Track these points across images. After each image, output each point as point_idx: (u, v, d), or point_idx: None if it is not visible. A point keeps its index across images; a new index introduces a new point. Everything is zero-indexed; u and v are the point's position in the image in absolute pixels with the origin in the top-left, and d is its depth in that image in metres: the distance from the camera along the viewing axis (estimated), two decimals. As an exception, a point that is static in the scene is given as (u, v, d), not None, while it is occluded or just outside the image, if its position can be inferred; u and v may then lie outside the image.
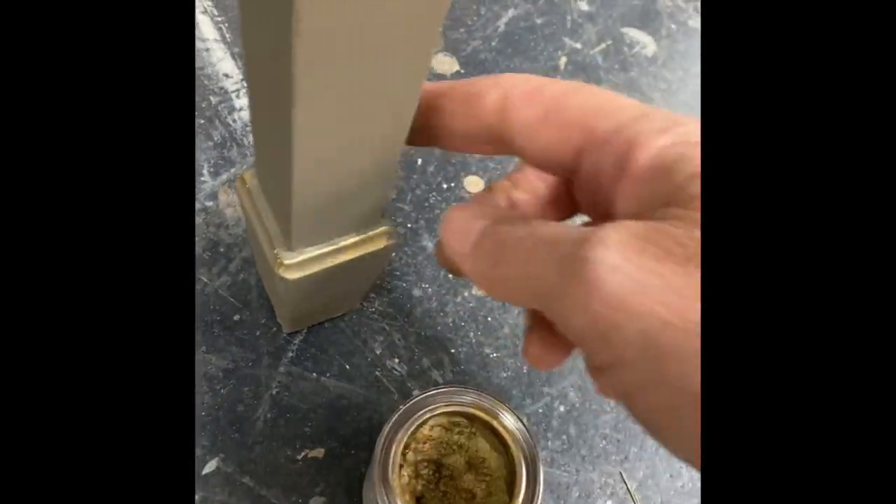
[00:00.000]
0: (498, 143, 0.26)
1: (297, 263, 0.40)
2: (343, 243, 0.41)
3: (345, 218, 0.39)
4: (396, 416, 0.41)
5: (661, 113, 0.23)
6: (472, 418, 0.44)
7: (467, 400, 0.43)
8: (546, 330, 0.30)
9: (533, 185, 0.30)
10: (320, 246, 0.40)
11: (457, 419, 0.44)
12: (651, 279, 0.17)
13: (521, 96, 0.25)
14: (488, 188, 0.31)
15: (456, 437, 0.45)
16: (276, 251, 0.39)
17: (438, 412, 0.43)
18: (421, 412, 0.42)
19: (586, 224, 0.25)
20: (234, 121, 0.58)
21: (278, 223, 0.39)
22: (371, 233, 0.41)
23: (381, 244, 0.42)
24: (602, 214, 0.24)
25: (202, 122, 0.57)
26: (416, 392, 0.50)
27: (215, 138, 0.57)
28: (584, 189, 0.25)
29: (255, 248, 0.44)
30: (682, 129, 0.21)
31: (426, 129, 0.29)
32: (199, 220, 0.53)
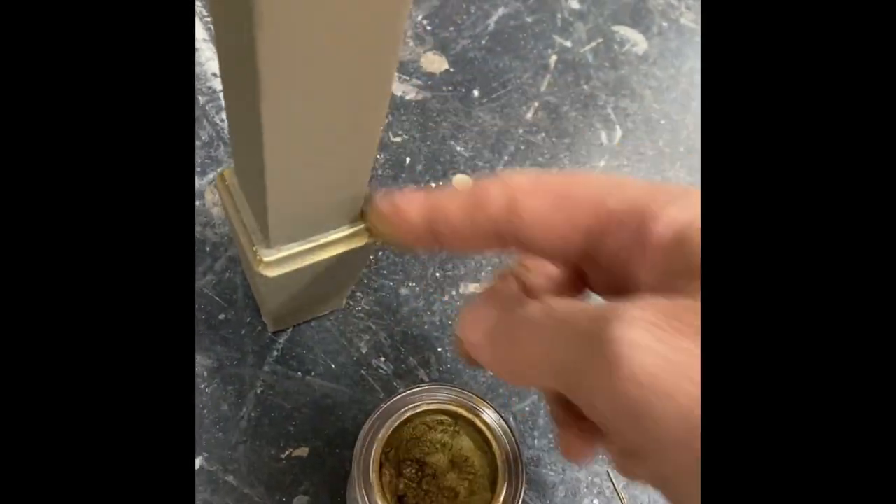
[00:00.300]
0: (505, 238, 0.26)
1: (277, 261, 0.40)
2: (323, 240, 0.40)
3: (322, 215, 0.39)
4: (378, 413, 0.41)
5: (669, 186, 0.23)
6: (455, 416, 0.43)
7: (450, 398, 0.43)
8: (574, 417, 0.28)
9: (545, 269, 0.29)
10: (300, 243, 0.40)
11: (440, 417, 0.44)
12: (679, 356, 0.17)
13: (527, 189, 0.25)
14: (499, 276, 0.30)
15: (439, 435, 0.44)
16: (255, 248, 0.39)
17: (421, 410, 0.42)
18: (403, 410, 0.42)
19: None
20: (222, 120, 0.58)
21: (257, 220, 0.39)
22: (351, 230, 0.41)
23: (361, 241, 0.42)
24: (618, 291, 0.24)
25: (203, 137, 0.57)
26: (400, 390, 0.50)
27: (203, 137, 0.57)
28: (598, 269, 0.25)
29: (237, 245, 0.44)
30: (694, 199, 0.21)
31: (431, 233, 0.29)
32: (184, 219, 0.53)
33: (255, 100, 0.27)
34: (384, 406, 0.41)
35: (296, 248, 0.40)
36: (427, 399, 0.43)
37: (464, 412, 0.43)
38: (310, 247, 0.40)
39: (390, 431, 0.41)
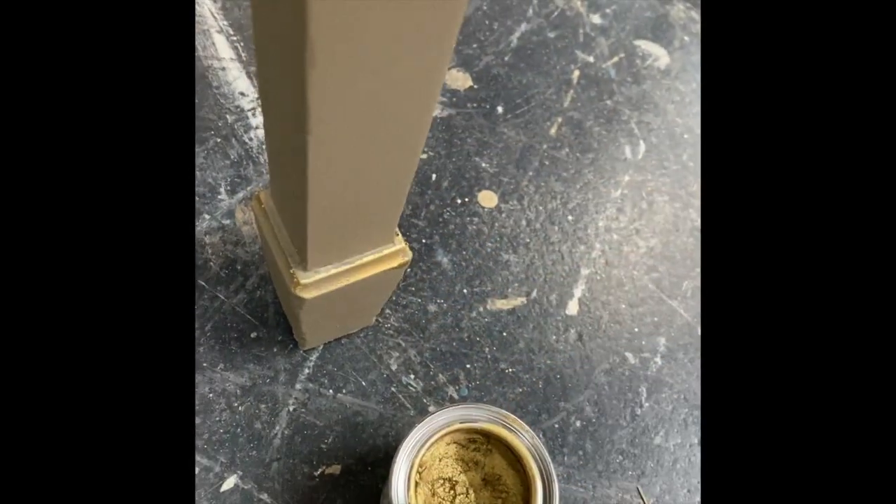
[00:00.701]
0: None
1: (314, 283, 0.40)
2: (359, 262, 0.41)
3: (359, 237, 0.39)
4: (412, 433, 0.41)
5: None
6: (487, 435, 0.44)
7: (483, 416, 0.43)
8: None
9: None
10: (336, 265, 0.40)
11: (473, 436, 0.44)
12: None
13: None
14: None
15: (472, 453, 0.44)
16: (292, 270, 0.39)
17: (454, 429, 0.42)
18: (437, 430, 0.42)
19: None
20: (251, 139, 0.58)
21: (294, 243, 0.40)
22: (385, 251, 0.41)
23: (394, 262, 0.42)
24: None
25: (218, 140, 0.58)
26: (431, 409, 0.50)
27: (232, 156, 0.57)
28: None
29: (271, 267, 0.44)
30: None
31: None
32: (216, 238, 0.54)
33: (302, 129, 0.28)
34: (418, 426, 0.42)
35: (332, 269, 0.40)
36: (459, 418, 0.43)
37: (496, 431, 0.43)
38: (346, 268, 0.41)
39: (424, 451, 0.41)
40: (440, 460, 0.43)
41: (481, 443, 0.44)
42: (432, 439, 0.41)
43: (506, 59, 0.68)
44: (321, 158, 0.29)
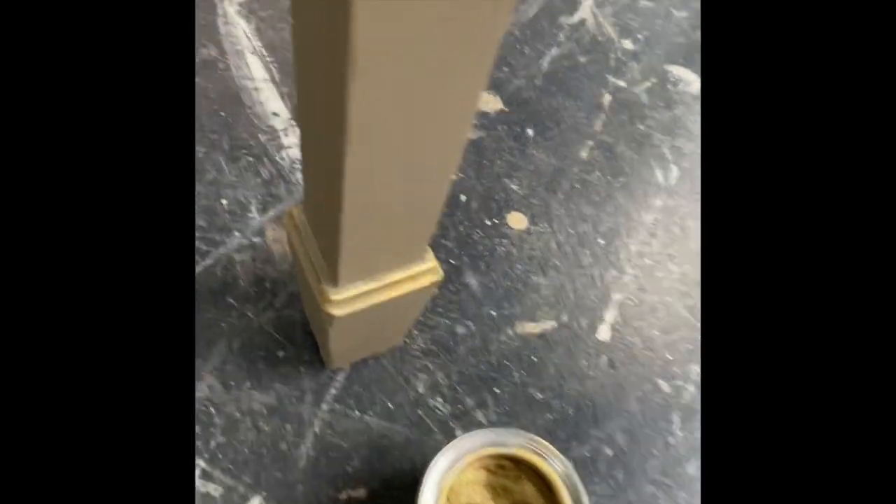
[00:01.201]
0: None
1: (344, 300, 0.39)
2: (390, 279, 0.40)
3: (391, 253, 0.39)
4: (440, 458, 0.40)
5: None
6: (517, 461, 0.42)
7: (513, 442, 0.42)
8: None
9: None
10: (367, 282, 0.40)
11: (502, 462, 0.43)
12: None
13: None
14: None
15: (501, 480, 0.43)
16: (322, 286, 0.39)
17: (483, 455, 0.41)
18: (465, 455, 0.41)
19: None
20: (282, 158, 0.59)
21: (325, 259, 0.39)
22: (417, 269, 0.41)
23: (426, 281, 0.41)
24: None
25: (251, 159, 0.58)
26: (459, 433, 0.49)
27: (263, 175, 0.58)
28: None
29: (301, 283, 0.44)
30: None
31: None
32: (245, 255, 0.54)
33: (340, 143, 0.27)
34: (446, 450, 0.41)
35: (363, 286, 0.40)
36: (490, 442, 0.42)
37: (528, 457, 0.42)
38: (377, 285, 0.40)
39: (452, 475, 0.40)
40: (469, 486, 0.42)
41: (511, 469, 0.43)
42: (461, 464, 0.40)
43: (536, 82, 0.68)
44: (358, 173, 0.29)
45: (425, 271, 0.41)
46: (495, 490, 0.42)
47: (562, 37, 0.72)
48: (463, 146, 0.31)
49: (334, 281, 0.39)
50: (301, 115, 0.32)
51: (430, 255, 0.41)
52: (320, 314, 0.40)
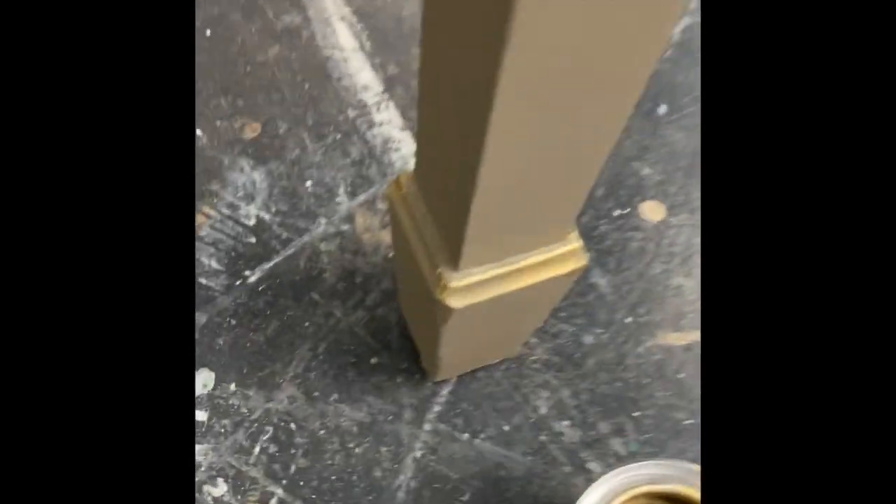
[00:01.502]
0: None
1: (465, 287, 0.32)
2: (522, 263, 0.33)
3: (528, 230, 0.31)
4: (585, 499, 0.33)
5: None
6: (678, 501, 0.34)
7: (675, 475, 0.34)
8: None
9: None
10: (494, 266, 0.32)
11: (657, 501, 0.35)
12: None
13: None
14: None
15: None
16: (438, 271, 0.32)
17: (640, 493, 0.33)
18: (616, 493, 0.33)
19: None
20: (374, 136, 0.52)
21: (443, 236, 0.32)
22: (556, 251, 0.33)
23: (566, 267, 0.34)
24: None
25: (338, 136, 0.52)
26: (592, 465, 0.41)
27: (353, 155, 0.51)
28: None
29: (405, 269, 0.37)
30: None
31: None
32: (332, 245, 0.47)
33: (484, 106, 0.21)
34: (590, 491, 0.33)
35: (490, 271, 0.32)
36: (647, 479, 0.34)
37: (691, 494, 0.34)
38: (506, 270, 0.33)
39: None
40: None
41: None
42: None
43: (667, 53, 0.59)
44: (503, 134, 0.23)
45: (567, 254, 0.34)
46: (652, 540, 0.34)
47: (694, 3, 0.64)
48: (631, 108, 0.24)
49: (454, 264, 0.32)
50: (424, 70, 0.26)
51: (575, 234, 0.33)
52: (431, 308, 0.33)
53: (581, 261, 0.34)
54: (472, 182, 0.26)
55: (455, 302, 0.33)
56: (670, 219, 0.52)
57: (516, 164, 0.26)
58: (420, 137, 0.31)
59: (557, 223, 0.32)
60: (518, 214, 0.30)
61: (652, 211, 0.52)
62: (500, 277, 0.33)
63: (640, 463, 0.35)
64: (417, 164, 0.33)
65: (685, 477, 0.34)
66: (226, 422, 0.42)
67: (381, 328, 0.45)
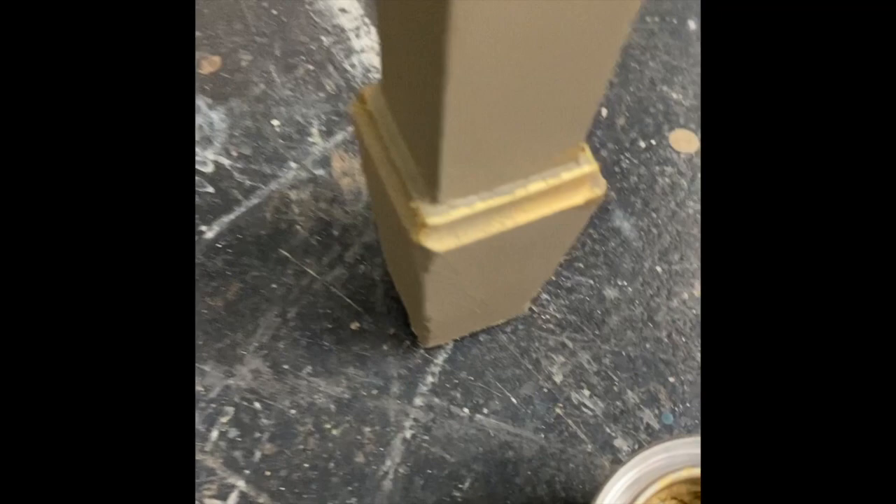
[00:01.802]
0: None
1: (447, 225, 0.26)
2: (520, 193, 0.27)
3: (524, 148, 0.25)
4: (609, 488, 0.29)
5: None
6: None
7: None
8: None
9: None
10: (483, 197, 0.26)
11: (698, 489, 0.29)
12: None
13: None
14: None
15: None
16: (413, 205, 0.26)
17: (680, 479, 0.28)
18: (646, 482, 0.29)
19: None
20: (353, 66, 0.47)
21: (417, 160, 0.26)
22: (564, 177, 0.27)
23: (577, 197, 0.28)
24: None
25: (311, 68, 0.46)
26: (619, 442, 0.35)
27: (328, 88, 0.46)
28: None
29: (378, 206, 0.31)
30: None
31: None
32: (304, 193, 0.41)
33: None
34: (617, 475, 0.28)
35: (478, 204, 0.27)
36: (688, 460, 0.29)
37: None
38: (499, 203, 0.27)
39: None
40: None
41: None
42: (646, 494, 0.27)
43: (696, -41, 0.52)
44: (472, 12, 0.17)
45: (578, 181, 0.28)
46: (696, 536, 0.28)
47: None
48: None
49: (432, 195, 0.26)
50: None
51: (587, 154, 0.27)
52: (410, 254, 0.28)
53: (597, 189, 0.28)
54: (441, 79, 0.20)
55: (436, 244, 0.27)
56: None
57: (496, 49, 0.20)
58: (382, 41, 0.25)
59: (560, 138, 0.26)
60: (506, 125, 0.24)
61: (683, 141, 0.46)
62: (492, 212, 0.27)
63: (678, 440, 0.29)
64: (383, 70, 0.27)
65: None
66: (180, 403, 0.36)
67: (362, 288, 0.40)
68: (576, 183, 0.28)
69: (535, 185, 0.27)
